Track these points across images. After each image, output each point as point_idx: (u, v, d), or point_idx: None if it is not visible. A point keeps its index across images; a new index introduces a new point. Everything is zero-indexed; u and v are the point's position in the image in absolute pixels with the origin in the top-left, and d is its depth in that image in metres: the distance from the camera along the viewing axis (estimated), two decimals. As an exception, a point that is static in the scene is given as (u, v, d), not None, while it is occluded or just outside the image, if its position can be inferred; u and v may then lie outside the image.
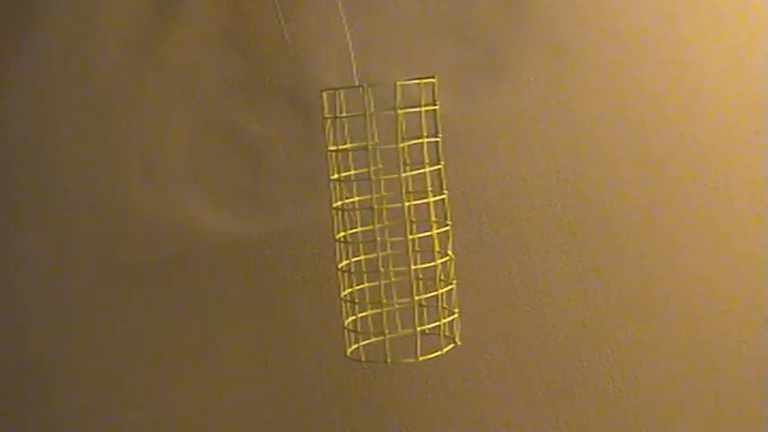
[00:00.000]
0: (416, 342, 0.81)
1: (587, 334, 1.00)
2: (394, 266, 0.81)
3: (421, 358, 0.82)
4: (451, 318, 0.82)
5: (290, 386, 0.97)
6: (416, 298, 0.82)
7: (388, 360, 0.79)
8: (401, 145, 0.80)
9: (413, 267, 0.80)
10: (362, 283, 0.85)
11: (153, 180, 0.99)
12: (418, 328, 0.81)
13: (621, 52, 1.03)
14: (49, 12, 0.99)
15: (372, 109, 0.79)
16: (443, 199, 0.83)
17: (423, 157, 0.81)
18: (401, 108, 0.79)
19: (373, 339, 0.82)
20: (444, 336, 0.81)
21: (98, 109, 0.99)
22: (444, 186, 0.83)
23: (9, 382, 0.97)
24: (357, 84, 0.88)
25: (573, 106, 1.02)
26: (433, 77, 0.82)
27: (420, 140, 0.82)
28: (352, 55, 0.94)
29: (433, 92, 0.82)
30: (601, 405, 0.99)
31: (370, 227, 0.86)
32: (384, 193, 0.83)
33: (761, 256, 1.03)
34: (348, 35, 0.94)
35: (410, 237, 0.81)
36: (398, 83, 0.78)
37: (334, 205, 0.84)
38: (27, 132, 0.99)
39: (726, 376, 1.01)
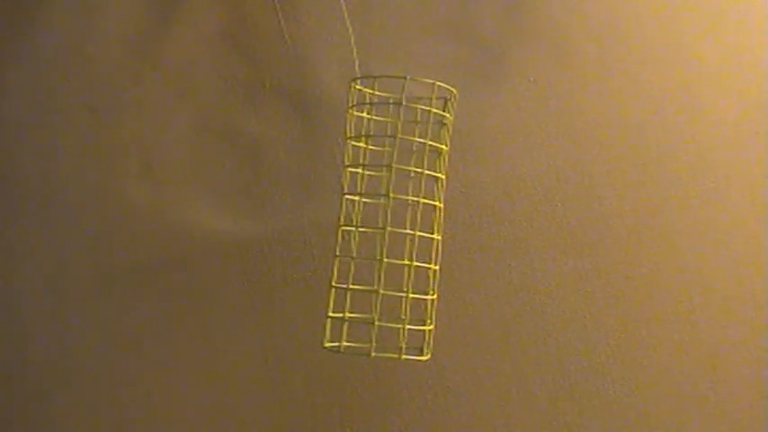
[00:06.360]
0: (428, 337, 0.82)
1: (587, 334, 1.00)
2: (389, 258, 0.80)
3: (425, 358, 0.82)
4: (424, 328, 0.83)
5: (290, 386, 0.97)
6: (432, 297, 0.82)
7: (402, 356, 0.79)
8: (444, 148, 0.82)
9: (410, 262, 0.81)
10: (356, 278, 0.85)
11: (153, 180, 0.99)
12: (426, 326, 0.81)
13: (621, 52, 1.03)
14: (50, 12, 0.99)
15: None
16: (439, 209, 0.83)
17: (426, 161, 0.82)
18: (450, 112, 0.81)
19: (364, 344, 0.82)
20: (406, 345, 0.82)
21: (98, 109, 0.99)
22: (441, 197, 0.83)
23: (8, 382, 0.97)
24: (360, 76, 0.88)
25: (573, 106, 1.02)
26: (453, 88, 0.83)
27: (443, 146, 0.83)
28: (356, 54, 0.94)
29: (450, 103, 0.83)
30: (601, 405, 0.99)
31: (367, 228, 0.86)
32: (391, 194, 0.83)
33: (761, 256, 1.03)
34: (351, 36, 0.94)
35: (410, 232, 0.81)
36: (455, 91, 0.81)
37: (350, 197, 0.84)
38: (27, 132, 0.99)
39: (726, 376, 1.01)
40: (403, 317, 0.80)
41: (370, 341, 0.77)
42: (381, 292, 0.77)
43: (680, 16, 1.04)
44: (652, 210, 1.02)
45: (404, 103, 0.78)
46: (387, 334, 0.84)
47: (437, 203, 0.83)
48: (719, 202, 1.03)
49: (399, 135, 0.78)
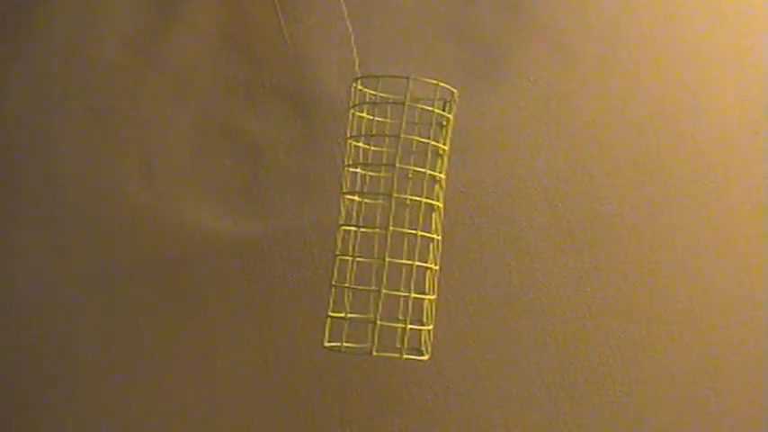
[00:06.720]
0: (429, 336, 0.82)
1: (587, 334, 1.00)
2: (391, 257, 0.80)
3: (425, 358, 0.82)
4: (424, 328, 0.83)
5: (290, 386, 0.97)
6: (431, 297, 0.82)
7: (403, 356, 0.79)
8: (445, 148, 0.82)
9: (410, 261, 0.81)
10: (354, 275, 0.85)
11: (153, 180, 0.99)
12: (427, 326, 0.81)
13: (621, 52, 1.03)
14: (49, 11, 0.99)
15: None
16: (439, 209, 0.83)
17: (427, 162, 0.82)
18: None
19: (357, 345, 0.82)
20: (407, 346, 0.82)
21: (98, 109, 0.99)
22: (441, 197, 0.83)
23: (8, 381, 0.97)
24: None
25: (573, 106, 1.02)
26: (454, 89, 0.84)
27: (444, 146, 0.83)
28: (356, 54, 0.94)
29: (450, 103, 0.83)
30: (601, 405, 0.99)
31: (369, 228, 0.86)
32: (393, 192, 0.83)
33: (761, 256, 1.03)
34: (351, 36, 0.94)
35: (408, 229, 0.81)
36: (455, 91, 0.81)
37: (352, 198, 0.84)
38: (27, 132, 0.99)
39: (726, 376, 1.01)
40: (401, 317, 0.80)
41: (371, 341, 0.77)
42: (383, 291, 0.77)
43: (680, 16, 1.04)
44: (652, 210, 1.02)
45: (407, 103, 0.78)
46: (387, 334, 0.84)
47: (437, 203, 0.83)
48: (719, 202, 1.03)
49: (402, 135, 0.78)
